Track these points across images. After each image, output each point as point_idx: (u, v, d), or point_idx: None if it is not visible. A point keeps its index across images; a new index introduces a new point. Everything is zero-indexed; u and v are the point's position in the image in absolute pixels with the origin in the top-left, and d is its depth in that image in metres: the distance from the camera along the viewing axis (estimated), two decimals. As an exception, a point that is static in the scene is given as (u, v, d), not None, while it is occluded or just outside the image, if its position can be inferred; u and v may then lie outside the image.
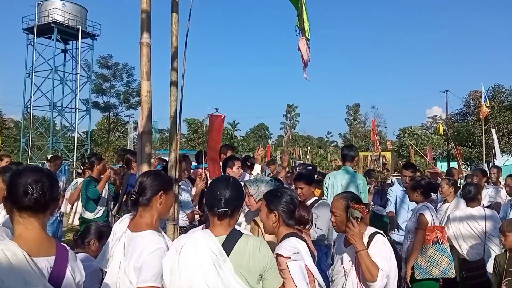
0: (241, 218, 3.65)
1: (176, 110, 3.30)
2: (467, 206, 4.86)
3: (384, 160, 31.58)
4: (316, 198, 4.25)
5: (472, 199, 4.80)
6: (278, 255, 2.28)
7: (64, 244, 1.73)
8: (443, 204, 5.49)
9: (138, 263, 2.15)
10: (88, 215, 5.91)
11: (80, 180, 6.68)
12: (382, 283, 2.59)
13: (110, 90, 37.58)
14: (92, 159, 6.29)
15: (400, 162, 36.74)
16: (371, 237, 2.71)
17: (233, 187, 2.16)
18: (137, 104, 35.85)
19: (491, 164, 16.54)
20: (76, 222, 6.43)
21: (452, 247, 4.59)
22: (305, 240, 2.50)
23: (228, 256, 2.02)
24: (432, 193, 4.37)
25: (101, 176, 6.09)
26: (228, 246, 2.04)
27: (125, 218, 2.45)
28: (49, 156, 8.05)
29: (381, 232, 2.80)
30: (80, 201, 6.40)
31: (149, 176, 2.38)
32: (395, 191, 6.28)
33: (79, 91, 35.06)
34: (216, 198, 2.11)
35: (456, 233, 4.73)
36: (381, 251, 2.66)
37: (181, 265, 2.01)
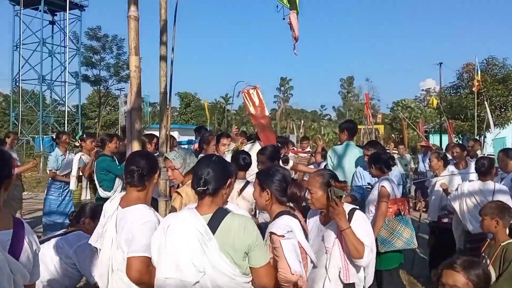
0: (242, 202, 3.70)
1: (166, 86, 3.26)
2: (478, 179, 4.85)
3: (377, 134, 31.74)
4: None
5: (484, 173, 4.76)
6: (271, 233, 2.30)
7: (20, 218, 1.81)
8: (434, 177, 5.59)
9: (130, 235, 2.22)
10: (104, 194, 5.62)
11: (79, 155, 6.61)
12: (368, 258, 2.64)
13: (100, 63, 36.90)
14: (103, 137, 6.19)
15: (393, 135, 36.91)
16: (351, 213, 2.74)
17: (215, 166, 2.16)
18: (128, 78, 35.22)
19: (482, 137, 16.70)
20: (88, 196, 6.42)
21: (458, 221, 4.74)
22: (297, 218, 2.51)
23: (213, 234, 2.03)
24: (390, 167, 4.34)
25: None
26: (213, 224, 2.06)
27: (116, 197, 2.52)
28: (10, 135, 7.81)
29: (358, 207, 2.85)
30: (83, 177, 6.46)
31: (149, 157, 2.50)
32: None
33: (68, 64, 34.44)
34: (197, 177, 2.14)
35: (461, 205, 4.77)
36: (363, 227, 2.70)
37: (167, 244, 2.04)
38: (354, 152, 5.12)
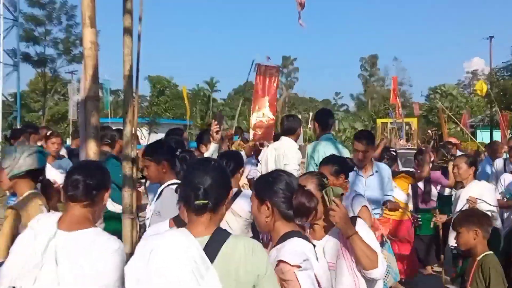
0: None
1: (132, 67, 3.26)
2: None
3: (408, 129, 31.81)
4: None
5: None
6: (281, 262, 2.30)
7: None
8: (457, 189, 5.67)
9: (92, 270, 2.21)
10: (115, 207, 5.28)
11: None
12: (384, 267, 2.74)
13: (45, 37, 36.77)
14: (112, 133, 6.00)
15: (429, 131, 36.99)
16: (352, 220, 2.85)
17: (216, 173, 2.19)
18: (81, 57, 35.08)
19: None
20: None
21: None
22: (310, 241, 2.54)
23: (212, 263, 2.04)
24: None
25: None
26: (211, 250, 2.06)
27: (43, 218, 2.46)
28: None
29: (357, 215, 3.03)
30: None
31: (99, 168, 2.56)
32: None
33: (3, 38, 34.28)
34: (193, 187, 2.14)
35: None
36: (368, 233, 2.83)
37: (151, 276, 2.02)
38: (328, 149, 5.17)
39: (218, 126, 5.06)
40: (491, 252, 3.58)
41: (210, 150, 4.95)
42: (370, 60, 78.50)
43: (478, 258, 3.52)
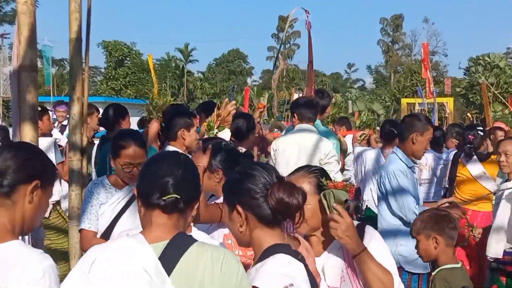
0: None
1: (80, 29, 3.25)
2: None
3: (442, 112, 31.87)
4: None
5: None
6: None
7: None
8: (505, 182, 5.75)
9: None
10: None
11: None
12: None
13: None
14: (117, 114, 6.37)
15: (469, 114, 37.20)
16: (360, 231, 2.80)
17: (186, 168, 2.26)
18: (14, 16, 34.71)
19: None
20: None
21: None
22: (301, 258, 2.44)
23: (169, 275, 2.06)
24: None
25: None
26: (169, 259, 2.08)
27: None
28: None
29: (367, 222, 2.97)
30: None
31: (21, 151, 2.35)
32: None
33: None
34: (160, 179, 2.19)
35: None
36: (382, 250, 2.80)
37: None
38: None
39: (233, 106, 5.32)
40: (455, 265, 3.60)
41: (225, 135, 5.10)
42: (393, 21, 78.48)
43: (433, 273, 3.61)
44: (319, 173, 2.87)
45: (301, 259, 2.43)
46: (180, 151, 3.73)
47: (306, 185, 2.77)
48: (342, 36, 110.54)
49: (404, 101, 35.64)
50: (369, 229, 2.88)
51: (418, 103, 26.22)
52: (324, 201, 2.69)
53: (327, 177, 2.84)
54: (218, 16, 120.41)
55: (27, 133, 2.97)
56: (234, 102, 5.37)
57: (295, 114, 6.15)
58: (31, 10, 2.93)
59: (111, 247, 2.15)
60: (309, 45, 8.38)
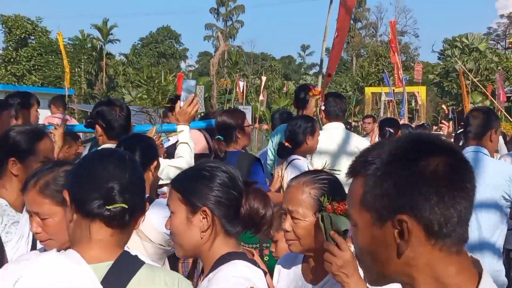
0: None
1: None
2: None
3: (414, 103, 32.35)
4: None
5: None
6: None
7: None
8: None
9: None
10: None
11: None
12: None
13: None
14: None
15: (444, 106, 37.84)
16: None
17: (135, 169, 2.32)
18: None
19: None
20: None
21: None
22: (259, 265, 2.57)
23: None
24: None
25: None
26: (114, 285, 2.10)
27: None
28: None
29: None
30: None
31: None
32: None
33: None
34: (103, 184, 2.19)
35: None
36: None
37: None
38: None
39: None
40: None
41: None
42: (355, -5, 79.68)
43: None
44: (326, 184, 2.86)
45: (258, 266, 2.55)
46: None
47: (305, 196, 2.81)
48: (294, 13, 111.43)
49: (368, 90, 36.24)
50: None
51: (385, 92, 26.58)
52: (321, 224, 2.69)
53: (330, 194, 2.79)
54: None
55: None
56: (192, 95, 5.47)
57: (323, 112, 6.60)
58: None
59: (37, 265, 2.11)
60: (334, 52, 8.17)
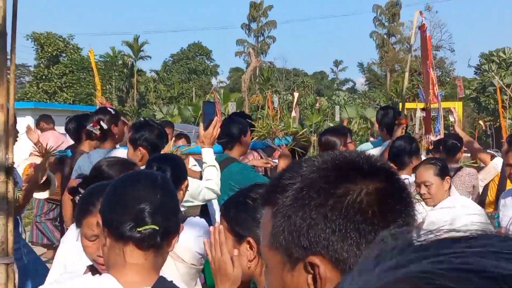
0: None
1: (4, 18, 3.24)
2: None
3: (448, 118, 32.00)
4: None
5: None
6: None
7: None
8: None
9: None
10: None
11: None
12: None
13: None
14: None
15: (481, 122, 37.51)
16: None
17: (166, 190, 2.31)
18: None
19: None
20: None
21: None
22: None
23: None
24: None
25: None
26: None
27: None
28: None
29: None
30: None
31: None
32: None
33: None
34: (133, 205, 2.20)
35: None
36: None
37: None
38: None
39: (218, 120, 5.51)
40: None
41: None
42: (389, 10, 79.35)
43: None
44: None
45: None
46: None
47: None
48: (327, 28, 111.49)
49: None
50: None
51: (420, 108, 26.33)
52: None
53: None
54: (175, 1, 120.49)
55: None
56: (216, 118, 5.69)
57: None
58: None
59: (71, 287, 2.15)
60: (426, 53, 8.77)
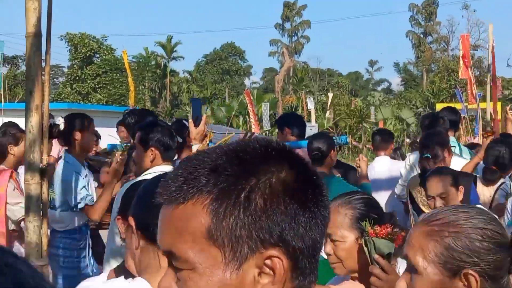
0: None
1: (40, 20, 3.25)
2: None
3: (486, 120, 31.75)
4: None
5: None
6: None
7: None
8: None
9: None
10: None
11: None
12: None
13: None
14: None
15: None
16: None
17: None
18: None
19: None
20: None
21: None
22: None
23: None
24: None
25: None
26: None
27: None
28: None
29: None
30: None
31: None
32: None
33: None
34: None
35: None
36: None
37: None
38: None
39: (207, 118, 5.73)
40: None
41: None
42: (425, 8, 78.71)
43: None
44: (361, 204, 2.91)
45: None
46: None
47: (342, 218, 2.85)
48: (362, 27, 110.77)
49: (439, 106, 35.61)
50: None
51: (458, 109, 26.17)
52: (365, 248, 2.73)
53: (366, 214, 2.84)
54: (208, 1, 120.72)
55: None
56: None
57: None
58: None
59: None
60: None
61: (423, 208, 5.66)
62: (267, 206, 1.18)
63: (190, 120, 5.70)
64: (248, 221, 1.17)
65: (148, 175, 4.50)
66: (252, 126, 24.79)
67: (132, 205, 2.33)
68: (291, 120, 7.13)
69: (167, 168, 4.54)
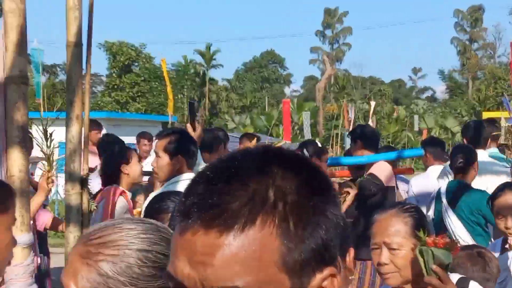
0: None
1: (80, 30, 3.28)
2: None
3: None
4: None
5: None
6: None
7: None
8: None
9: None
10: None
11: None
12: None
13: None
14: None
15: None
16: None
17: None
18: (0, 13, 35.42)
19: None
20: None
21: None
22: None
23: None
24: None
25: None
26: None
27: None
28: None
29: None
30: None
31: None
32: None
33: None
34: None
35: None
36: None
37: None
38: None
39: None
40: None
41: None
42: (471, 14, 78.00)
43: None
44: (414, 213, 2.93)
45: None
46: None
47: (402, 226, 2.86)
48: (405, 34, 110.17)
49: (486, 115, 35.18)
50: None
51: (505, 118, 25.83)
52: (420, 259, 2.71)
53: (420, 222, 2.86)
54: (247, 9, 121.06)
55: (14, 161, 3.00)
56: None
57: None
58: (21, 8, 2.97)
59: None
60: None
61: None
62: (326, 228, 1.08)
63: (188, 124, 5.72)
64: (320, 246, 1.07)
65: (175, 183, 4.54)
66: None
67: (172, 216, 2.34)
68: (365, 132, 7.28)
69: (192, 176, 4.53)
